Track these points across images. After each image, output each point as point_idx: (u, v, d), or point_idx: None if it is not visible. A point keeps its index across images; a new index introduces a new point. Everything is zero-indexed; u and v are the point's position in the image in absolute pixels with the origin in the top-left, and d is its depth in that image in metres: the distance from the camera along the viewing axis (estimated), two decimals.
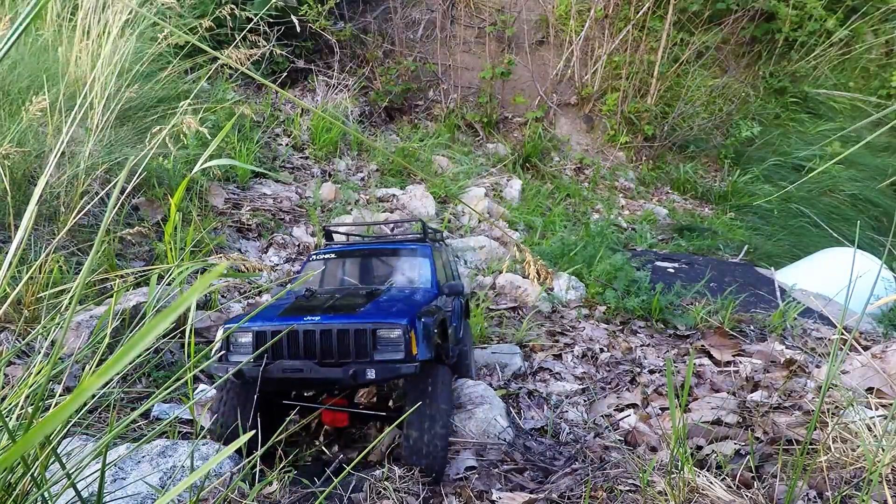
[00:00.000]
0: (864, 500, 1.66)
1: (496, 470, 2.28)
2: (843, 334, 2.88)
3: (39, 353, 1.44)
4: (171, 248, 3.03)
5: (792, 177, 8.27)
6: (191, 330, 2.09)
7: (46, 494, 1.06)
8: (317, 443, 2.49)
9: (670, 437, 2.17)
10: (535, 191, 7.07)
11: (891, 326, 4.32)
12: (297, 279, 2.96)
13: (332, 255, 2.95)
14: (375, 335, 2.11)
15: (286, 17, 4.52)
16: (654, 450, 2.51)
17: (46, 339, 1.75)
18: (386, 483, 2.05)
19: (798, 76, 9.56)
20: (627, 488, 2.09)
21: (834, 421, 2.20)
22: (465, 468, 2.25)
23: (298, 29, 4.73)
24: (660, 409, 2.87)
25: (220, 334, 2.21)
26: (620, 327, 4.05)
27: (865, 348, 3.19)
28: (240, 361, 2.11)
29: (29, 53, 3.79)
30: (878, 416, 2.16)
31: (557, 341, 3.74)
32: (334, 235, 3.38)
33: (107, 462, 1.25)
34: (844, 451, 2.06)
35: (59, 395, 1.69)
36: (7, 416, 1.25)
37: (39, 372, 1.29)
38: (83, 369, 2.14)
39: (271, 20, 5.45)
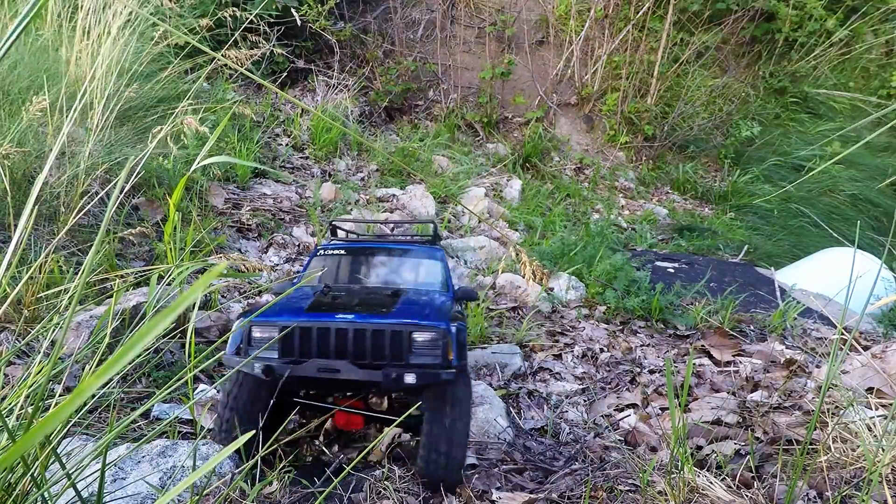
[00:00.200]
0: (864, 500, 1.66)
1: (496, 470, 2.28)
2: (843, 334, 2.88)
3: (39, 353, 1.44)
4: (171, 249, 3.03)
5: (792, 177, 8.26)
6: (192, 330, 2.09)
7: (46, 494, 1.06)
8: (317, 443, 2.49)
9: (670, 437, 2.17)
10: (535, 191, 7.07)
11: (891, 326, 4.32)
12: (304, 274, 2.83)
13: (343, 252, 2.82)
14: (411, 337, 1.99)
15: (286, 17, 4.53)
16: (654, 450, 2.51)
17: (46, 339, 1.75)
18: (386, 483, 2.05)
19: (798, 76, 9.55)
20: (627, 488, 2.09)
21: (834, 421, 2.20)
22: (465, 468, 2.26)
23: (300, 24, 4.71)
24: (660, 409, 2.87)
25: (236, 325, 2.05)
26: (620, 327, 4.05)
27: (865, 348, 3.19)
28: (261, 357, 1.98)
29: (29, 53, 3.79)
30: (878, 416, 2.16)
31: (557, 341, 3.74)
32: (338, 232, 3.33)
33: (107, 462, 1.25)
34: (844, 451, 2.06)
35: (59, 395, 1.69)
36: (7, 416, 1.25)
37: (39, 372, 1.29)
38: (83, 369, 2.14)
39: (271, 20, 5.46)
